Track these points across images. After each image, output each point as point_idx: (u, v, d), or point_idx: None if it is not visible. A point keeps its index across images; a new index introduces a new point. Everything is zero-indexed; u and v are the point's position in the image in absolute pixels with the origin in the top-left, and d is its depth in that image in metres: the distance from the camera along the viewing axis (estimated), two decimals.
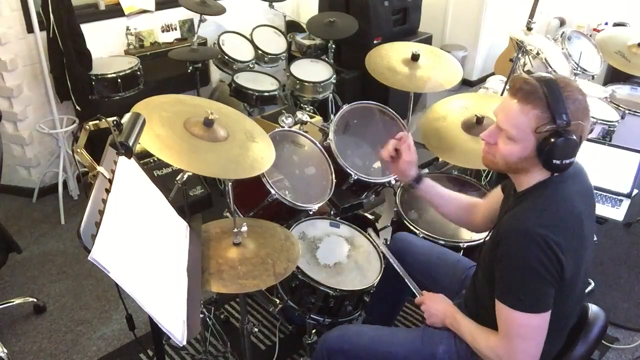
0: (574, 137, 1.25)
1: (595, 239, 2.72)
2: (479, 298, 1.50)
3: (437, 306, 1.57)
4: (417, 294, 1.68)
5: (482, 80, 5.09)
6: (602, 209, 2.39)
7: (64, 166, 3.20)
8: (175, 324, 1.24)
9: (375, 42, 4.02)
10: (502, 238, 1.31)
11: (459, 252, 2.05)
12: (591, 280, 2.62)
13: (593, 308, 1.48)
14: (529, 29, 3.43)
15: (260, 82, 3.54)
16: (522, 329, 1.29)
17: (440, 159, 2.43)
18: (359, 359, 1.58)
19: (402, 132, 1.73)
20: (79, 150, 1.26)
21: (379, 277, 1.92)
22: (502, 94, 3.07)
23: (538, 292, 1.26)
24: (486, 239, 1.53)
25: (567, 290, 1.30)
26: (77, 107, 3.10)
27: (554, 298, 1.28)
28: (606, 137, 2.91)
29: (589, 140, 2.55)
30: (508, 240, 1.29)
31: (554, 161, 1.27)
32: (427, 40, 4.43)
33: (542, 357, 1.43)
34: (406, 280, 1.74)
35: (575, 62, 3.30)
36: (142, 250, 1.26)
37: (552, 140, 1.24)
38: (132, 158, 1.35)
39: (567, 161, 1.27)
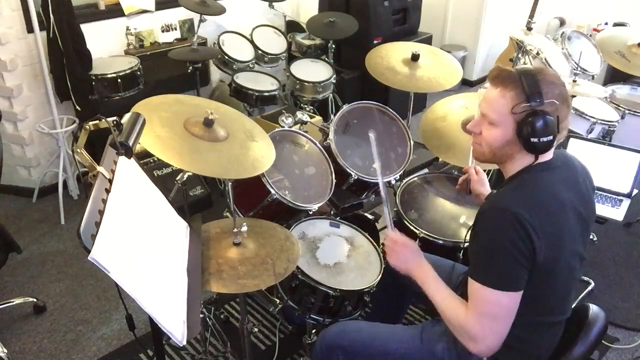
0: (550, 117, 1.30)
1: (595, 239, 2.75)
2: None
3: (404, 249, 1.56)
4: (390, 227, 1.65)
5: (482, 80, 5.10)
6: (602, 209, 2.39)
7: (64, 166, 3.20)
8: (175, 324, 1.24)
9: (375, 42, 4.03)
10: (479, 216, 1.35)
11: (459, 252, 2.05)
12: (591, 280, 2.62)
13: (593, 308, 1.48)
14: (529, 29, 3.44)
15: (260, 82, 3.54)
16: (490, 307, 1.30)
17: (440, 159, 2.44)
18: (357, 355, 1.59)
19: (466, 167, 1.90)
20: (79, 150, 1.25)
21: (379, 277, 1.92)
22: None
23: (508, 269, 1.28)
24: None
25: (543, 277, 1.30)
26: (77, 107, 3.10)
27: (528, 282, 1.29)
28: (606, 137, 2.91)
29: (589, 140, 2.56)
30: (483, 217, 1.33)
31: (532, 139, 1.31)
32: (427, 40, 4.43)
33: (537, 356, 1.43)
34: (385, 208, 1.71)
35: (575, 62, 3.30)
36: (142, 250, 1.26)
37: (529, 119, 1.30)
38: (132, 158, 1.35)
39: (545, 139, 1.30)
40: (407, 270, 1.55)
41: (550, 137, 1.30)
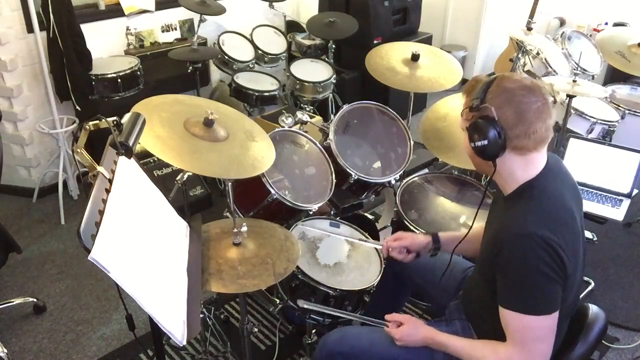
0: (482, 120, 1.28)
1: (595, 239, 2.75)
2: (476, 298, 1.50)
3: (414, 338, 1.50)
4: (383, 326, 1.58)
5: None
6: (602, 209, 2.39)
7: (64, 166, 3.20)
8: (175, 324, 1.24)
9: (375, 42, 4.03)
10: (503, 245, 1.29)
11: None
12: (591, 280, 2.62)
13: (593, 308, 1.48)
14: (529, 29, 3.44)
15: (260, 82, 3.54)
16: (536, 332, 1.29)
17: (440, 159, 2.43)
18: None
19: (382, 246, 1.77)
20: (79, 150, 1.25)
21: (379, 277, 1.92)
22: None
23: (547, 293, 1.26)
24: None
25: (567, 288, 1.30)
26: (77, 107, 3.11)
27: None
28: (606, 137, 2.91)
29: (589, 140, 2.56)
30: (510, 247, 1.28)
31: (471, 144, 1.31)
32: (427, 40, 4.43)
33: None
34: (366, 321, 1.67)
35: (575, 62, 3.30)
36: (142, 250, 1.26)
37: (471, 124, 1.31)
38: (132, 158, 1.35)
39: (479, 144, 1.29)
40: (422, 341, 1.49)
41: (485, 142, 1.28)
